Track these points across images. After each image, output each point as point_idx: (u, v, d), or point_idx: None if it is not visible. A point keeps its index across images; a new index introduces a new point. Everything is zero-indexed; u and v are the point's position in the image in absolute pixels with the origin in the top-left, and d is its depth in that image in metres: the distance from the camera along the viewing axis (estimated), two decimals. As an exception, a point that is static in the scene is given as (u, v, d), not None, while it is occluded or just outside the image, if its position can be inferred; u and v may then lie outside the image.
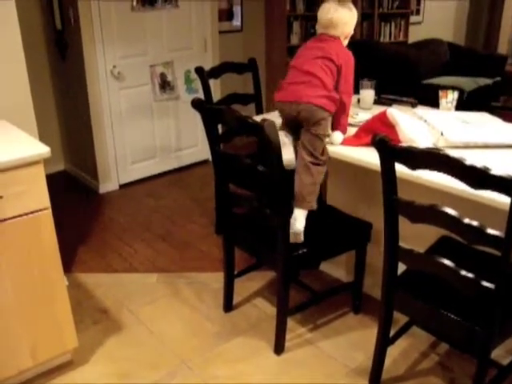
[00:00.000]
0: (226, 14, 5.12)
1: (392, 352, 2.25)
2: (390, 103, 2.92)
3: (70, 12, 3.87)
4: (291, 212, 2.21)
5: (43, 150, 1.95)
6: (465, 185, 1.57)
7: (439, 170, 1.61)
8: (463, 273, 1.67)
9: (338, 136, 2.32)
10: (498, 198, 1.65)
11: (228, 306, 2.69)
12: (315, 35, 2.41)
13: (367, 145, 2.19)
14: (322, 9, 2.34)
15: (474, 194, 1.72)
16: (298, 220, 2.22)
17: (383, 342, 2.09)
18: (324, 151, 2.27)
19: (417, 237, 2.06)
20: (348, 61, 2.31)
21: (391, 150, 1.71)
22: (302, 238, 2.24)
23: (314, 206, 2.26)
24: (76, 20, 3.83)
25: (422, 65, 5.23)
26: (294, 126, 2.30)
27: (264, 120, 1.94)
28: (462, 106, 2.80)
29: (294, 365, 2.33)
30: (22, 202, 1.93)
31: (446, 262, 1.71)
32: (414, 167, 1.69)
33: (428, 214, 1.67)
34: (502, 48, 7.27)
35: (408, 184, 1.90)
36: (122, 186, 4.35)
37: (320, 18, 2.34)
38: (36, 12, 4.17)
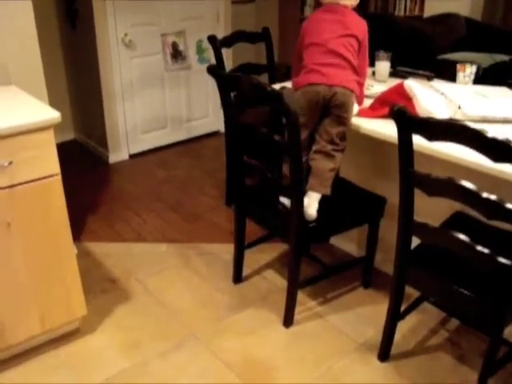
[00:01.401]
0: (238, -16, 5.03)
1: (402, 327, 2.23)
2: (405, 76, 2.86)
3: (81, -22, 3.81)
4: (305, 183, 2.18)
5: (54, 115, 1.92)
6: (483, 158, 1.53)
7: (458, 141, 1.56)
8: (479, 248, 1.64)
9: (354, 107, 2.27)
10: (519, 173, 1.62)
11: (238, 277, 2.68)
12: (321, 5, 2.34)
13: (383, 116, 2.15)
14: None
15: (492, 167, 1.69)
16: (312, 206, 2.20)
17: (394, 317, 2.07)
18: (345, 136, 2.24)
19: (430, 212, 2.03)
20: (366, 32, 2.26)
21: (409, 120, 1.67)
22: (314, 220, 2.21)
23: (329, 191, 2.24)
24: (87, -14, 3.77)
25: (437, 40, 5.13)
26: (314, 111, 2.23)
27: (283, 88, 1.90)
28: (477, 81, 2.74)
29: (303, 338, 2.32)
30: (32, 167, 1.91)
31: (462, 236, 1.68)
32: (431, 138, 1.65)
33: (445, 187, 1.64)
34: (521, 24, 7.10)
35: (424, 158, 1.86)
36: (131, 156, 4.33)
37: None
38: (46, -22, 4.10)
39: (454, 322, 2.37)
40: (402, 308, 2.09)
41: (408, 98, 2.13)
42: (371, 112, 2.26)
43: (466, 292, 1.77)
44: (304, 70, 2.25)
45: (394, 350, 2.18)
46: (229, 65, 4.03)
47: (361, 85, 2.30)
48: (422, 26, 5.58)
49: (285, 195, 2.26)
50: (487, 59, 4.64)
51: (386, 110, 1.91)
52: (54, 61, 4.32)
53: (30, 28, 2.43)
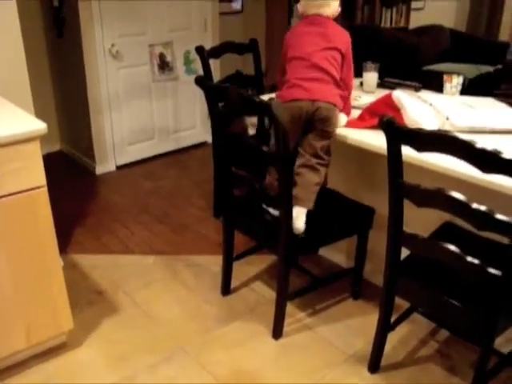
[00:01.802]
0: (226, -4, 5.04)
1: (391, 338, 2.22)
2: (393, 86, 2.87)
3: (68, -12, 3.79)
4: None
5: (40, 126, 1.90)
6: (472, 169, 1.53)
7: (447, 152, 1.57)
8: (469, 259, 1.64)
9: (342, 118, 2.27)
10: (507, 183, 1.62)
11: (226, 289, 2.65)
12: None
13: (371, 127, 2.15)
14: None
15: (481, 178, 1.69)
16: (300, 218, 2.19)
17: (384, 328, 2.07)
18: (329, 150, 2.24)
19: (419, 222, 2.03)
20: (349, 43, 2.27)
21: (398, 131, 1.67)
22: (303, 233, 2.20)
23: (312, 205, 2.24)
24: (74, -3, 3.75)
25: (422, 51, 5.18)
26: (297, 126, 2.22)
27: (271, 99, 1.89)
28: (464, 92, 2.76)
29: (293, 350, 2.30)
30: (18, 179, 1.88)
31: (451, 247, 1.68)
32: (420, 149, 1.65)
33: (434, 198, 1.64)
34: (504, 35, 7.20)
35: (413, 168, 1.86)
36: (118, 168, 4.30)
37: None
38: (33, -12, 4.08)
39: (444, 333, 2.37)
40: (392, 319, 2.09)
41: (396, 109, 2.14)
42: (360, 123, 2.26)
43: (455, 303, 1.77)
44: (287, 85, 2.25)
45: (384, 362, 2.17)
46: (216, 76, 4.03)
47: (345, 98, 2.30)
48: (408, 37, 5.63)
49: (272, 206, 2.26)
50: (472, 70, 4.69)
51: (375, 121, 1.91)
52: (40, 70, 4.29)
53: (16, 37, 2.41)
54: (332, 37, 2.23)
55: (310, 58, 2.20)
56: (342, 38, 2.25)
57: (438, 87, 2.76)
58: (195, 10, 4.38)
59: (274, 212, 2.23)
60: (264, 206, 2.31)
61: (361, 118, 2.28)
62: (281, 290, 2.29)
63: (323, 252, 2.96)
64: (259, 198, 2.33)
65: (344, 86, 2.28)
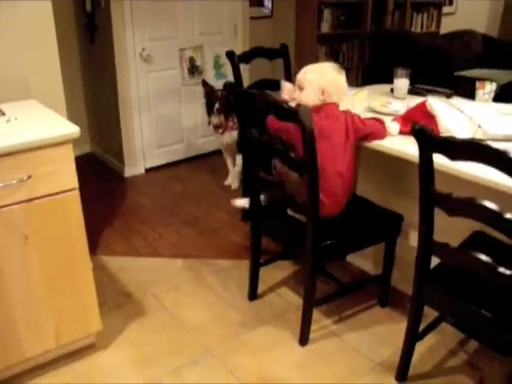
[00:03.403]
0: (256, 0, 5.05)
1: (419, 348, 2.18)
2: (424, 93, 2.84)
3: (101, -6, 3.85)
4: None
5: (73, 129, 1.93)
6: (505, 178, 1.50)
7: (481, 161, 1.54)
8: (501, 269, 1.61)
9: (394, 126, 2.27)
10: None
11: (253, 294, 2.66)
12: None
13: (406, 134, 2.14)
14: (339, 77, 2.26)
15: (514, 187, 1.66)
16: None
17: (412, 337, 2.04)
18: None
19: (448, 231, 2.00)
20: (350, 117, 2.24)
21: (431, 139, 1.65)
22: None
23: None
24: (106, 2, 3.81)
25: (454, 56, 5.10)
26: None
27: (299, 105, 1.89)
28: (496, 99, 2.71)
29: (319, 357, 2.29)
30: (51, 181, 1.91)
31: (483, 257, 1.65)
32: (453, 158, 1.63)
33: (466, 207, 1.61)
34: (538, 40, 7.06)
35: (444, 176, 1.84)
36: (147, 170, 4.34)
37: (342, 87, 2.27)
38: (67, -7, 4.16)
39: (474, 344, 2.32)
40: (421, 328, 2.06)
41: (430, 117, 2.12)
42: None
43: (486, 313, 1.74)
44: None
45: (411, 371, 2.14)
46: (246, 81, 4.04)
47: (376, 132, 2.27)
48: (439, 42, 5.57)
49: (298, 211, 2.26)
50: (505, 76, 4.60)
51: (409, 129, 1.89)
52: (72, 74, 4.37)
53: (51, 42, 2.46)
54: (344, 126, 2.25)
55: (335, 167, 2.24)
56: (348, 122, 2.24)
57: (470, 94, 2.73)
58: (226, 14, 4.41)
59: (301, 217, 2.23)
60: (289, 211, 2.31)
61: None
62: (307, 297, 2.28)
63: (351, 258, 2.94)
64: (285, 202, 2.33)
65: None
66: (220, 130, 3.75)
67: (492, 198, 1.58)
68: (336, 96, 2.23)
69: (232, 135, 3.76)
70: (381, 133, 2.25)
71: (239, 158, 3.84)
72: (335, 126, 2.17)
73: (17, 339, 2.04)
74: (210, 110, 3.69)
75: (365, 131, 2.23)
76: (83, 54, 4.39)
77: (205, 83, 3.76)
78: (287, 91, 2.39)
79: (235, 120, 3.64)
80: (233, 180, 3.97)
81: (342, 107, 2.28)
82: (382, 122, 2.28)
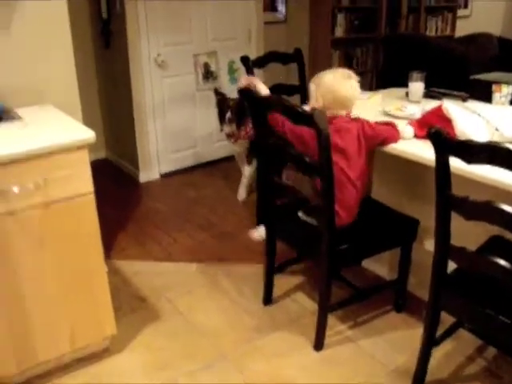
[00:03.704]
0: (269, 5, 5.07)
1: (436, 354, 2.16)
2: (439, 97, 2.82)
3: (117, 1, 3.88)
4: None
5: (88, 134, 1.94)
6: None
7: (499, 164, 1.52)
8: (520, 274, 1.59)
9: (409, 130, 2.25)
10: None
11: (267, 299, 2.65)
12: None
13: (422, 138, 2.12)
14: (342, 85, 2.22)
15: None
16: None
17: (428, 343, 2.01)
18: None
19: (466, 235, 1.97)
20: (361, 126, 2.21)
21: (447, 142, 1.63)
22: None
23: None
24: (122, 9, 3.84)
25: (469, 59, 5.07)
26: None
27: (314, 109, 1.89)
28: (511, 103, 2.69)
29: (334, 362, 2.27)
30: (66, 186, 1.93)
31: (501, 261, 1.62)
32: (470, 161, 1.61)
33: (484, 211, 1.59)
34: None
35: (459, 180, 1.82)
36: (162, 176, 4.36)
37: (341, 95, 2.22)
38: (83, 1, 4.20)
39: (492, 351, 2.29)
40: (437, 334, 2.03)
41: (447, 120, 2.10)
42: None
43: (505, 319, 1.71)
44: None
45: (428, 378, 2.10)
46: (260, 85, 4.04)
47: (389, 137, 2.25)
48: (455, 45, 5.54)
49: (311, 215, 2.25)
50: (521, 79, 4.57)
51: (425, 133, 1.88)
52: (88, 80, 4.40)
53: (67, 48, 2.48)
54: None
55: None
56: (361, 134, 2.22)
57: (486, 97, 2.70)
58: (240, 19, 4.42)
59: (312, 221, 2.22)
60: (300, 213, 2.30)
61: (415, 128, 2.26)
62: (323, 302, 2.27)
63: (366, 263, 2.91)
64: (300, 206, 2.33)
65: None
66: (232, 139, 3.73)
67: (510, 201, 1.56)
68: (337, 105, 2.19)
69: (243, 145, 3.74)
70: (394, 137, 2.23)
71: (247, 169, 3.82)
72: (347, 138, 2.15)
73: (32, 343, 2.05)
74: (222, 119, 3.67)
75: (377, 139, 2.21)
76: (98, 59, 4.43)
77: (217, 91, 3.74)
78: (245, 79, 2.39)
79: (247, 129, 3.63)
80: (240, 190, 3.93)
81: (353, 113, 2.27)
82: (393, 126, 2.26)
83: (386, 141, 2.22)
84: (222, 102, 3.65)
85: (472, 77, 4.85)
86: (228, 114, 3.57)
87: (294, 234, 2.42)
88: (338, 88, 2.20)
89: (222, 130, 3.72)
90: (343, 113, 2.21)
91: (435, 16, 6.32)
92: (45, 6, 2.36)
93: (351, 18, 5.56)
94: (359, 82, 2.28)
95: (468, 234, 1.93)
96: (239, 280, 2.87)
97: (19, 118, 2.13)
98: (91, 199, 2.01)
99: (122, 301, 2.65)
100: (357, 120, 2.24)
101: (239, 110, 3.55)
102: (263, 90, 2.32)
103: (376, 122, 2.28)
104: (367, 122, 2.23)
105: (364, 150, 2.20)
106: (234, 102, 3.58)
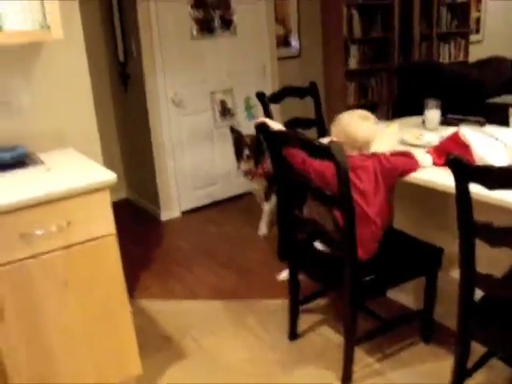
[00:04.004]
0: (282, 40, 5.15)
1: (468, 385, 2.11)
2: (456, 123, 2.81)
3: (133, 44, 3.98)
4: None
5: (110, 176, 1.97)
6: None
7: (520, 189, 1.51)
8: (549, 300, 1.55)
9: (427, 159, 2.25)
10: None
11: (293, 333, 2.62)
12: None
13: (441, 165, 2.11)
14: (358, 126, 2.22)
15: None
16: None
17: (460, 374, 1.96)
18: None
19: (491, 261, 1.94)
20: (378, 162, 2.20)
21: (466, 169, 1.62)
22: None
23: None
24: (138, 52, 3.93)
25: (485, 84, 5.07)
26: None
27: (331, 142, 1.90)
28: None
29: (363, 397, 2.23)
30: (89, 227, 1.95)
31: (529, 288, 1.60)
32: (491, 187, 1.60)
33: (508, 236, 1.57)
34: None
35: (481, 206, 1.80)
36: (183, 213, 4.38)
37: (366, 138, 2.23)
38: (101, 45, 4.32)
39: (526, 380, 2.23)
40: (469, 365, 1.98)
41: (464, 146, 2.09)
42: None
43: (537, 347, 1.67)
44: None
45: (461, 410, 2.05)
46: (277, 120, 4.07)
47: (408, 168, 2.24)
48: (469, 71, 5.55)
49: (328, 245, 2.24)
50: (538, 100, 4.55)
51: (444, 160, 1.87)
52: (107, 122, 4.49)
53: (87, 93, 2.55)
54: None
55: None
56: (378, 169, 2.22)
57: (504, 120, 2.69)
58: (254, 56, 4.50)
59: (327, 249, 2.22)
60: (316, 243, 2.30)
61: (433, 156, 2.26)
62: (348, 335, 2.24)
63: (391, 294, 2.87)
64: (318, 237, 2.32)
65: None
66: (249, 176, 3.75)
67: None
68: (351, 144, 2.17)
69: (261, 182, 3.76)
70: (412, 166, 2.21)
71: (266, 206, 3.84)
72: (363, 176, 2.14)
73: (56, 381, 2.04)
74: (239, 156, 3.70)
75: (396, 172, 2.20)
76: (117, 102, 4.52)
77: (232, 129, 3.78)
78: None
79: (264, 166, 3.64)
80: (261, 226, 3.92)
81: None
82: (410, 156, 2.24)
83: (405, 172, 2.21)
84: (239, 139, 3.69)
85: (489, 100, 4.86)
86: (246, 152, 3.61)
87: (316, 268, 2.41)
88: (352, 129, 2.21)
89: (238, 167, 3.76)
90: (359, 152, 2.21)
91: (448, 42, 6.37)
92: (65, 54, 2.44)
93: (364, 49, 5.62)
94: (376, 118, 2.29)
95: (494, 260, 1.90)
96: (264, 316, 2.84)
97: (41, 162, 2.17)
98: (113, 240, 2.03)
99: (146, 340, 2.64)
100: (373, 156, 2.23)
101: (256, 147, 3.59)
102: (276, 126, 2.34)
103: (392, 153, 2.27)
104: (384, 155, 2.23)
105: (383, 186, 2.18)
106: (250, 139, 3.62)
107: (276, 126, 2.32)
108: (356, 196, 2.11)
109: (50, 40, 2.22)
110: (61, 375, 2.05)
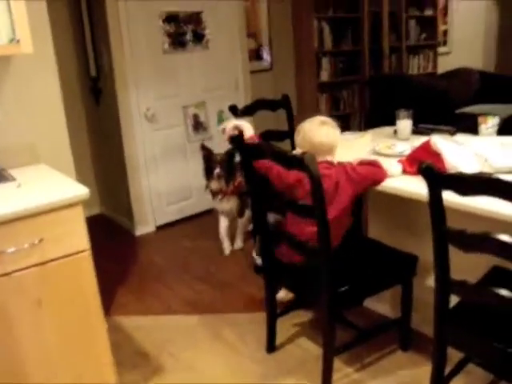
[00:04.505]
0: (254, 54, 5.18)
1: (447, 391, 2.12)
2: (428, 132, 2.85)
3: (104, 59, 3.96)
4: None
5: (82, 191, 1.95)
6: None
7: (492, 195, 1.53)
8: (524, 304, 1.57)
9: (396, 168, 2.27)
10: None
11: (271, 346, 2.60)
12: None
13: (413, 174, 2.14)
14: (316, 132, 2.26)
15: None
16: None
17: (437, 381, 1.97)
18: None
19: (466, 267, 1.97)
20: (343, 172, 2.22)
21: (439, 176, 1.65)
22: None
23: None
24: (110, 66, 3.91)
25: (453, 94, 5.18)
26: None
27: (304, 153, 1.91)
28: (498, 133, 2.72)
29: (343, 407, 2.22)
30: (63, 243, 1.92)
31: (504, 292, 1.61)
32: (464, 193, 1.62)
33: (482, 242, 1.59)
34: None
35: (454, 213, 1.83)
36: (158, 228, 4.35)
37: (327, 142, 2.26)
38: (72, 60, 4.29)
39: (503, 384, 2.25)
40: (446, 371, 2.00)
41: (436, 155, 2.13)
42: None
43: (512, 351, 1.69)
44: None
45: (440, 417, 2.06)
46: (250, 132, 4.09)
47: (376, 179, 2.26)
48: (438, 82, 5.67)
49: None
50: (505, 110, 4.66)
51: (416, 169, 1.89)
52: (79, 137, 4.44)
53: (58, 108, 2.53)
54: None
55: None
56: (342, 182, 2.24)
57: (472, 130, 2.74)
58: (226, 69, 4.52)
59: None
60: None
61: (405, 165, 2.28)
62: (327, 345, 2.24)
63: (368, 303, 2.88)
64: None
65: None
66: (219, 196, 3.66)
67: (506, 230, 1.57)
68: (317, 152, 2.14)
69: (231, 201, 3.68)
70: (381, 176, 2.23)
71: (241, 222, 3.82)
72: (325, 184, 2.08)
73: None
74: (208, 175, 3.59)
75: (365, 184, 2.23)
76: (89, 116, 4.48)
77: (203, 147, 3.68)
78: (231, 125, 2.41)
79: (236, 183, 3.59)
80: (237, 240, 3.90)
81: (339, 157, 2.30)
82: (378, 166, 2.26)
83: (373, 182, 2.23)
84: (209, 157, 3.60)
85: (458, 111, 4.96)
86: (217, 170, 3.52)
87: (293, 280, 2.40)
88: (313, 135, 2.25)
89: (207, 187, 3.66)
90: (323, 159, 2.22)
91: (417, 54, 6.49)
92: (35, 68, 2.41)
93: (335, 62, 5.69)
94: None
95: (468, 266, 1.92)
96: (241, 329, 2.82)
97: (13, 178, 2.14)
98: (88, 256, 2.00)
99: (123, 357, 2.60)
100: (339, 165, 2.25)
101: (228, 164, 3.53)
102: (247, 131, 2.35)
103: (359, 162, 2.29)
104: (350, 166, 2.24)
105: (344, 196, 2.19)
106: (221, 156, 3.55)
107: (248, 130, 2.34)
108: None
109: (20, 54, 2.19)
110: (36, 396, 2.00)
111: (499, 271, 2.08)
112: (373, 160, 2.32)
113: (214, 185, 3.62)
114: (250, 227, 3.84)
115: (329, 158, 2.25)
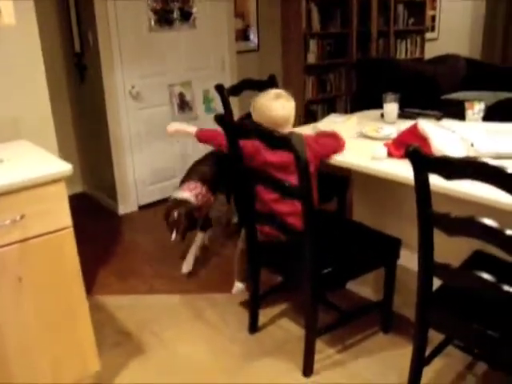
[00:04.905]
0: (242, 35, 5.13)
1: (427, 373, 2.12)
2: (414, 116, 2.85)
3: (89, 35, 3.89)
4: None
5: (65, 167, 1.92)
6: (505, 194, 1.50)
7: (478, 179, 1.53)
8: (505, 287, 1.59)
9: (382, 150, 2.26)
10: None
11: (253, 327, 2.61)
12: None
13: (400, 158, 2.14)
14: (272, 106, 2.30)
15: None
16: None
17: (418, 362, 2.00)
18: None
19: (449, 251, 1.98)
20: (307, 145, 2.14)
21: (425, 160, 1.64)
22: None
23: None
24: (95, 42, 3.85)
25: (439, 80, 5.19)
26: None
27: (291, 133, 1.90)
28: (483, 119, 2.74)
29: (324, 387, 2.24)
30: (45, 220, 1.89)
31: (486, 276, 1.62)
32: (449, 177, 1.62)
33: (466, 226, 1.60)
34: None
35: (440, 197, 1.83)
36: (141, 208, 4.32)
37: (283, 115, 2.31)
38: (56, 36, 4.20)
39: (482, 366, 2.28)
40: (427, 352, 2.02)
41: (423, 138, 2.12)
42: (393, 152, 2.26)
43: (493, 334, 1.71)
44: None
45: (420, 398, 2.09)
46: (236, 113, 4.05)
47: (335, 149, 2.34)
48: (425, 67, 5.65)
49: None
50: (490, 97, 4.67)
51: (403, 152, 1.89)
52: (63, 114, 4.36)
53: (41, 83, 2.47)
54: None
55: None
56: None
57: (459, 115, 2.75)
58: (213, 49, 4.46)
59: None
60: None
61: (391, 148, 2.27)
62: (309, 327, 2.25)
63: (350, 286, 2.90)
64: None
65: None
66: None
67: (490, 214, 1.57)
68: (273, 126, 2.19)
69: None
70: (340, 147, 2.34)
71: (200, 236, 3.32)
72: (284, 156, 2.10)
73: (11, 381, 1.98)
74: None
75: (327, 155, 2.31)
76: (73, 93, 4.41)
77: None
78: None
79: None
80: (188, 261, 3.25)
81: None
82: (337, 137, 2.35)
83: (333, 153, 2.31)
84: (167, 214, 3.03)
85: (443, 97, 4.97)
86: (173, 235, 2.96)
87: (276, 261, 2.41)
88: (269, 109, 2.29)
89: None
90: (281, 131, 2.18)
91: (404, 39, 6.46)
92: (17, 40, 2.36)
93: (323, 44, 5.65)
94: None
95: (452, 249, 1.94)
96: (224, 309, 2.83)
97: (-6, 154, 2.10)
98: (70, 233, 1.97)
99: (106, 336, 2.59)
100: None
101: (190, 220, 2.98)
102: (190, 129, 2.54)
103: (318, 133, 2.32)
104: (311, 137, 2.30)
105: (311, 165, 2.18)
106: (179, 211, 2.98)
107: (190, 128, 2.54)
108: (281, 175, 2.17)
109: (1, 26, 2.13)
110: (15, 372, 1.98)
111: (481, 255, 2.10)
112: (332, 131, 2.39)
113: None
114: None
115: (286, 130, 2.25)
